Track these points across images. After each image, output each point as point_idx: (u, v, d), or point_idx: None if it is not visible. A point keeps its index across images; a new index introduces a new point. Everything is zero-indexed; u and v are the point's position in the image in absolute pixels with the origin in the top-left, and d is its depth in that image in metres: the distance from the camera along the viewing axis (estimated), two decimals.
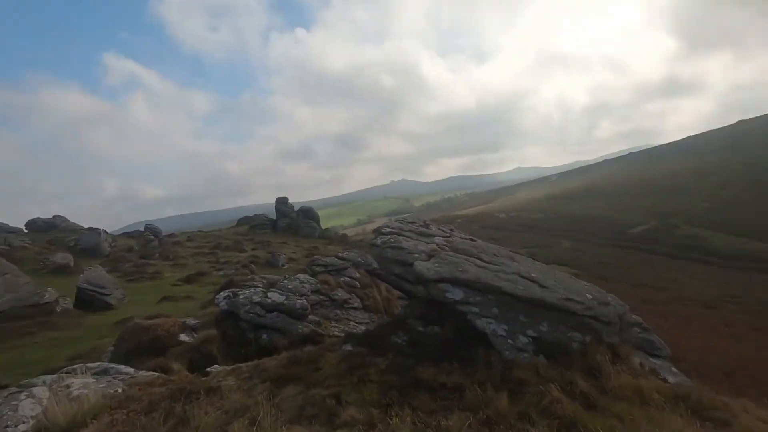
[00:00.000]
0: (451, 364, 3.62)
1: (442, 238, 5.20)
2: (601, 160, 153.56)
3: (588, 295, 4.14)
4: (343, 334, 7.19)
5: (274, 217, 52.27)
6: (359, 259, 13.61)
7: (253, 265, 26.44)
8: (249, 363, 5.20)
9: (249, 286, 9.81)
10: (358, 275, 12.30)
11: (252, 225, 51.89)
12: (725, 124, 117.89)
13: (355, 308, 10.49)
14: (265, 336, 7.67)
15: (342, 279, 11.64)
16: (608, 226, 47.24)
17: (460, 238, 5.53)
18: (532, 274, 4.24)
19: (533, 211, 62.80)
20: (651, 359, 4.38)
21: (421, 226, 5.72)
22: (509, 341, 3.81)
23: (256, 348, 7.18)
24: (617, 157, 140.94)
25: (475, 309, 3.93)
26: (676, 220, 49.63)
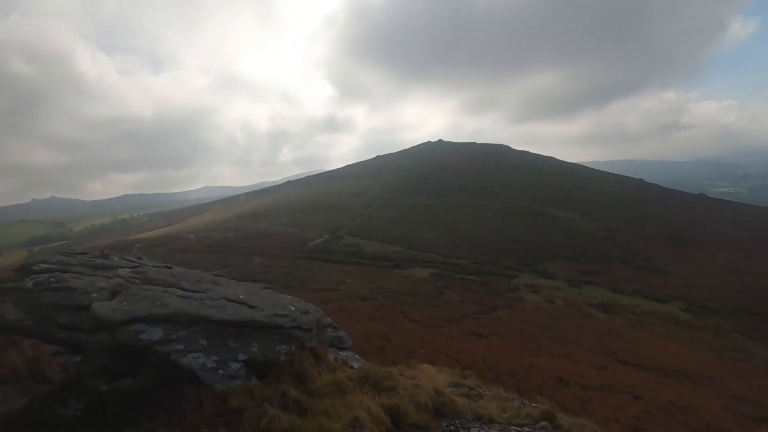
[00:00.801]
0: (154, 419, 3.05)
1: (129, 270, 4.34)
2: (284, 182, 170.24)
3: (292, 307, 4.48)
4: None
5: None
6: None
7: None
8: None
9: None
10: None
11: None
12: (369, 157, 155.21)
13: None
14: None
15: None
16: (293, 241, 52.54)
17: (153, 266, 4.79)
18: (240, 296, 4.19)
19: (225, 230, 62.11)
20: (341, 352, 5.19)
21: (97, 257, 4.58)
22: (220, 371, 3.60)
23: None
24: (297, 179, 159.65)
25: (180, 346, 3.50)
26: (341, 232, 60.26)
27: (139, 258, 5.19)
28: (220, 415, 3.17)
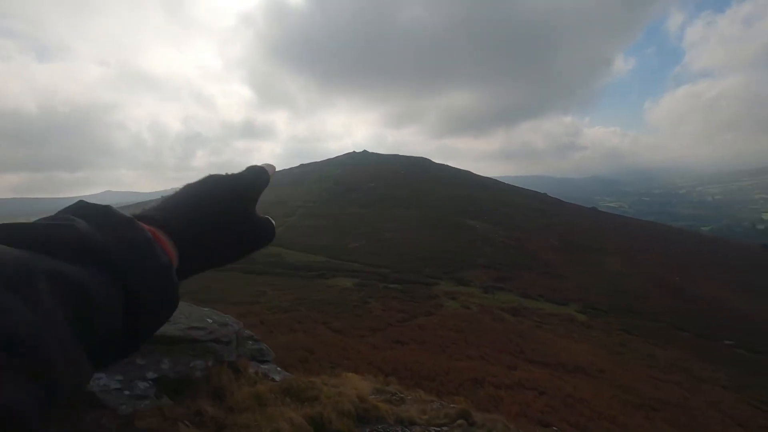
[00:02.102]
0: None
1: None
2: None
3: (209, 319, 4.24)
4: None
5: None
6: None
7: None
8: None
9: None
10: None
11: None
12: (292, 165, 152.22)
13: None
14: None
15: None
16: None
17: None
18: None
19: None
20: (262, 366, 5.01)
21: None
22: (126, 392, 3.29)
23: None
24: None
25: None
26: None
27: None
28: None
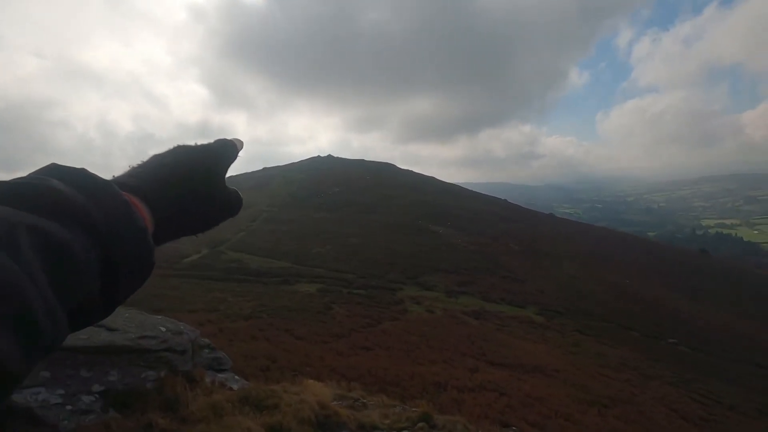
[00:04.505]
0: None
1: None
2: None
3: (162, 327, 4.06)
4: None
5: None
6: None
7: None
8: None
9: None
10: None
11: None
12: (254, 169, 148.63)
13: None
14: None
15: None
16: (164, 257, 47.24)
17: None
18: None
19: None
20: (219, 374, 4.84)
21: None
22: (68, 407, 3.09)
23: None
24: None
25: None
26: (223, 247, 56.20)
27: None
28: None
